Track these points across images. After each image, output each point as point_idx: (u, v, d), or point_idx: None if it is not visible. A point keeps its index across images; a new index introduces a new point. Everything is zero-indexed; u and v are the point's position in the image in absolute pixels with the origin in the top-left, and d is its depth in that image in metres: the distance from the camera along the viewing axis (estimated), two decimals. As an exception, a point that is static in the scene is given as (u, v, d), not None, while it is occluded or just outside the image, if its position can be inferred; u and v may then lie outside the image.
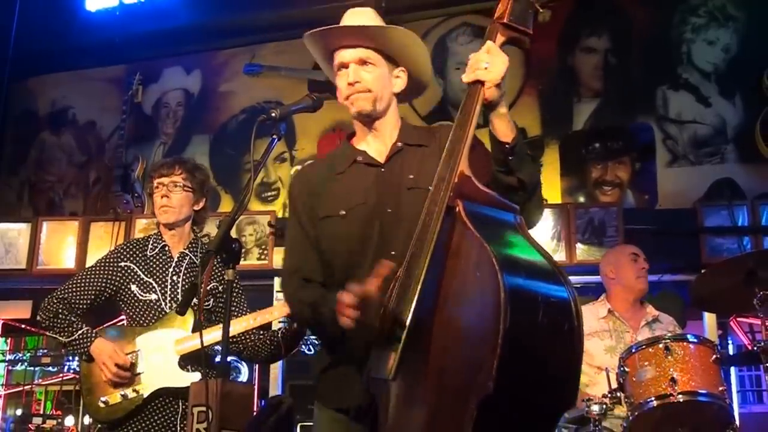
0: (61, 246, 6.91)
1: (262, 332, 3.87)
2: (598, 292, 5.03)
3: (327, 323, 2.55)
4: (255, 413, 4.12)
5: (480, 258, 2.07)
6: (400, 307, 2.28)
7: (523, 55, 7.18)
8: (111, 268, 3.88)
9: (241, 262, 2.62)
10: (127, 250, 3.95)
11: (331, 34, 2.80)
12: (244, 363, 6.25)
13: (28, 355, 6.77)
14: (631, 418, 3.75)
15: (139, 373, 3.72)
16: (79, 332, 3.75)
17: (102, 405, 3.70)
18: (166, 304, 3.83)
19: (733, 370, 5.88)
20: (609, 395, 3.92)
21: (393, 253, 2.60)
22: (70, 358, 6.21)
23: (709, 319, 5.81)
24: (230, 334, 2.67)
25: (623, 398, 3.86)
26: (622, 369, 3.89)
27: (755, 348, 3.97)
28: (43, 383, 6.89)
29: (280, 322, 3.86)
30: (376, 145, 2.84)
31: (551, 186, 6.97)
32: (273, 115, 2.60)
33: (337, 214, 2.73)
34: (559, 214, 6.30)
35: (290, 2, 7.42)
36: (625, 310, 4.75)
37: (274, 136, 2.64)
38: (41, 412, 6.65)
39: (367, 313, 2.39)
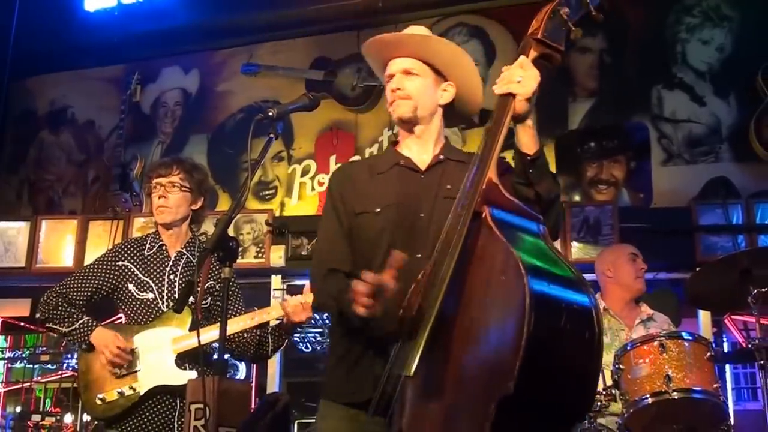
0: (60, 244, 6.91)
1: (253, 330, 3.88)
2: (594, 291, 5.04)
3: (347, 312, 2.58)
4: (252, 410, 4.14)
5: (506, 262, 2.14)
6: (425, 305, 2.33)
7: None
8: (108, 267, 3.90)
9: (239, 261, 2.64)
10: (125, 249, 3.97)
11: (380, 45, 2.89)
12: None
13: (28, 352, 6.79)
14: (626, 414, 3.77)
15: (137, 371, 3.73)
16: (80, 321, 3.78)
17: (99, 402, 3.71)
18: (163, 303, 3.84)
19: (727, 367, 5.90)
20: (604, 392, 3.92)
21: (419, 255, 2.64)
22: (69, 355, 6.22)
23: (704, 316, 5.83)
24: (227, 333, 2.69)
25: (618, 395, 3.87)
26: (617, 366, 3.90)
27: (750, 345, 3.96)
28: (42, 381, 6.90)
29: (277, 319, 3.87)
30: (419, 152, 2.90)
31: (547, 185, 6.98)
32: (270, 114, 2.62)
33: (373, 211, 2.79)
34: (555, 213, 6.32)
35: (287, 2, 7.43)
36: (620, 308, 4.75)
37: (271, 135, 2.66)
38: (40, 409, 6.66)
39: (381, 302, 2.43)
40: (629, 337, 4.46)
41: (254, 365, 6.31)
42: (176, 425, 3.73)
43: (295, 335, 6.05)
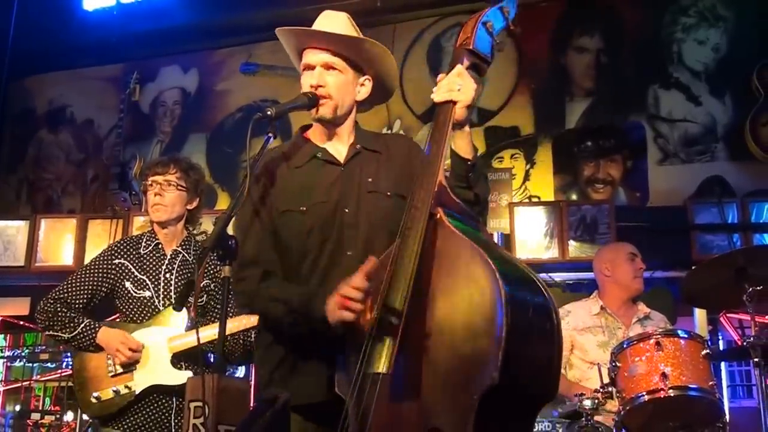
0: (59, 243, 6.93)
1: (239, 333, 3.88)
2: (591, 289, 5.05)
3: (315, 319, 2.52)
4: (251, 408, 4.16)
5: (472, 261, 2.27)
6: (392, 301, 2.36)
7: (516, 54, 7.22)
8: (105, 267, 3.90)
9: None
10: (121, 247, 3.97)
11: (303, 35, 2.85)
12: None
13: (27, 351, 6.80)
14: (622, 412, 3.78)
15: (132, 370, 3.74)
16: (82, 325, 3.77)
17: (94, 400, 3.72)
18: (159, 302, 3.85)
19: (723, 365, 5.92)
20: (601, 390, 3.94)
21: (349, 253, 2.69)
22: (69, 354, 6.23)
23: (700, 314, 5.86)
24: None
25: (615, 393, 3.88)
26: (614, 364, 3.91)
27: (745, 343, 3.97)
28: (42, 379, 6.91)
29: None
30: (334, 143, 2.89)
31: (544, 184, 7.01)
32: (269, 113, 2.62)
33: (298, 209, 2.74)
34: (552, 212, 6.34)
35: (286, 2, 7.42)
36: (618, 307, 4.76)
37: (270, 134, 2.66)
38: (40, 408, 6.68)
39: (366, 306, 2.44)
40: (626, 336, 4.47)
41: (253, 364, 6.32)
42: (172, 424, 3.74)
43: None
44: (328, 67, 2.81)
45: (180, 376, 3.67)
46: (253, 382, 6.22)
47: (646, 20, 7.17)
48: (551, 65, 7.31)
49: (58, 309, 3.80)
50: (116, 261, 3.90)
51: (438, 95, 2.61)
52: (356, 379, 2.39)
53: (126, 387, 3.71)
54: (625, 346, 3.92)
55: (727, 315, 6.00)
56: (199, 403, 2.30)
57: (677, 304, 5.72)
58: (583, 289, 5.83)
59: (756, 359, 3.87)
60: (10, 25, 7.97)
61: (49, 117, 8.67)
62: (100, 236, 6.87)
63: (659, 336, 3.85)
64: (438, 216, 2.43)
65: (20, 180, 8.57)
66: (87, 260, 5.23)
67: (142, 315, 3.83)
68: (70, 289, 3.86)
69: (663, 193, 6.70)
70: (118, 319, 3.98)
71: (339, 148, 2.88)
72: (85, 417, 5.56)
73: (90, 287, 3.86)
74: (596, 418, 4.01)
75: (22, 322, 6.94)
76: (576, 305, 4.85)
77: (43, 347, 6.61)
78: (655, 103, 6.95)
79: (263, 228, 2.74)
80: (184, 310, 3.71)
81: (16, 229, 7.03)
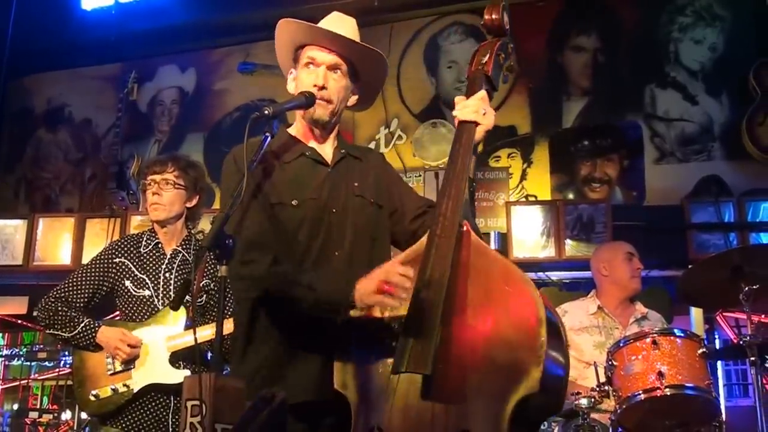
0: (57, 242, 6.93)
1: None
2: (588, 288, 5.06)
3: (334, 301, 2.48)
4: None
5: (508, 274, 2.45)
6: (427, 302, 2.39)
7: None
8: (105, 265, 3.90)
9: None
10: (121, 246, 3.98)
11: (314, 32, 2.83)
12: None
13: (25, 350, 6.81)
14: (618, 411, 3.78)
15: (131, 368, 3.75)
16: (82, 324, 3.77)
17: (92, 398, 3.73)
18: (158, 301, 3.85)
19: (719, 364, 5.95)
20: (597, 389, 3.94)
21: (337, 253, 2.71)
22: (66, 353, 6.23)
23: (696, 313, 5.86)
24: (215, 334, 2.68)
25: (611, 392, 3.88)
26: (610, 363, 3.92)
27: (741, 342, 3.93)
28: (40, 378, 6.92)
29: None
30: (320, 146, 2.89)
31: (541, 183, 7.03)
32: (266, 112, 2.60)
33: (290, 203, 2.73)
34: (549, 211, 6.34)
35: (283, 1, 7.42)
36: (615, 307, 4.76)
37: (267, 134, 2.65)
38: (38, 406, 6.68)
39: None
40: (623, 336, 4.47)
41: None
42: (170, 422, 3.75)
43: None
44: (334, 69, 2.81)
45: (178, 375, 3.67)
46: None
47: (643, 20, 7.18)
48: (548, 64, 7.31)
49: (59, 308, 3.80)
50: (117, 260, 3.91)
51: (464, 114, 2.68)
52: (396, 378, 2.40)
53: (124, 385, 3.72)
54: (621, 344, 3.92)
55: (724, 314, 6.00)
56: (196, 402, 2.30)
57: (674, 303, 5.71)
58: (580, 288, 5.83)
59: (752, 358, 3.85)
60: (8, 25, 7.97)
61: (47, 116, 8.66)
62: (98, 235, 6.87)
63: (656, 335, 3.85)
64: (465, 229, 2.56)
65: (18, 179, 8.58)
66: (85, 259, 5.25)
67: (142, 314, 3.84)
68: (70, 288, 3.86)
69: (660, 192, 6.71)
70: (117, 318, 3.99)
71: (325, 149, 2.89)
72: (83, 415, 5.57)
73: (91, 286, 3.87)
74: (592, 416, 4.02)
75: (20, 321, 6.94)
76: (573, 305, 4.85)
77: (41, 346, 6.62)
78: (651, 102, 6.96)
79: (266, 216, 2.68)
80: (182, 308, 3.71)
81: (14, 228, 7.03)
